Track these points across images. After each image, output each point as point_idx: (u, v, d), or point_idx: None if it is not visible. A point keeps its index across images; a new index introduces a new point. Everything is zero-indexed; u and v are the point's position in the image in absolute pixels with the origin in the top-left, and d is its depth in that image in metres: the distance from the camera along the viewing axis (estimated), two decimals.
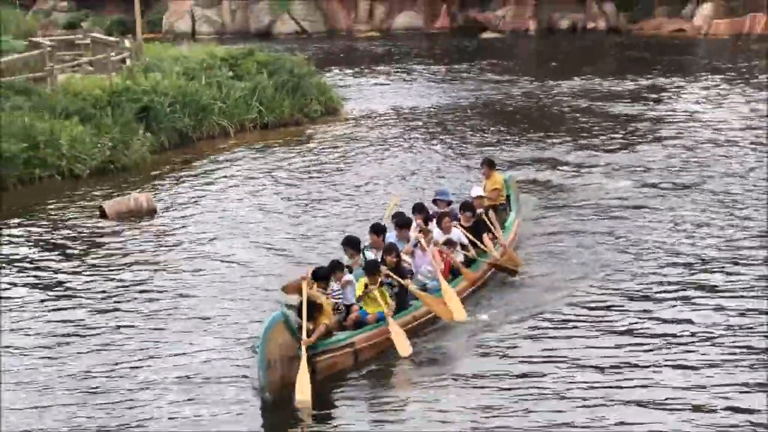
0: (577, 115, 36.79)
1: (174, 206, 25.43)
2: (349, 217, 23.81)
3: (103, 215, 24.23)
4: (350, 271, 16.81)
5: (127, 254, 21.49)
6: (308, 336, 14.47)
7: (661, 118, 35.76)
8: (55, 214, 24.79)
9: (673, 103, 38.96)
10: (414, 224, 18.37)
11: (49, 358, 15.96)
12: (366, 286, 16.02)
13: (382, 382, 15.05)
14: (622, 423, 13.23)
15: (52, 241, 22.73)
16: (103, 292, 19.06)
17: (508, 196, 21.56)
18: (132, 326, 17.21)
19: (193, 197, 26.26)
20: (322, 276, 16.02)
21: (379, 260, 16.62)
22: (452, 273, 17.83)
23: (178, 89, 33.44)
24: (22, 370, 15.49)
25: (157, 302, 18.40)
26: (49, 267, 20.76)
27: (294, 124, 35.84)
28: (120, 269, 20.42)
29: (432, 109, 38.44)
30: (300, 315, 14.83)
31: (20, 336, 16.91)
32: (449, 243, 17.91)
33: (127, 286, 19.33)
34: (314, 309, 14.83)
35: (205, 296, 18.58)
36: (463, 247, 18.27)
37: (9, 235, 22.89)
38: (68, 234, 23.24)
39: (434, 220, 18.53)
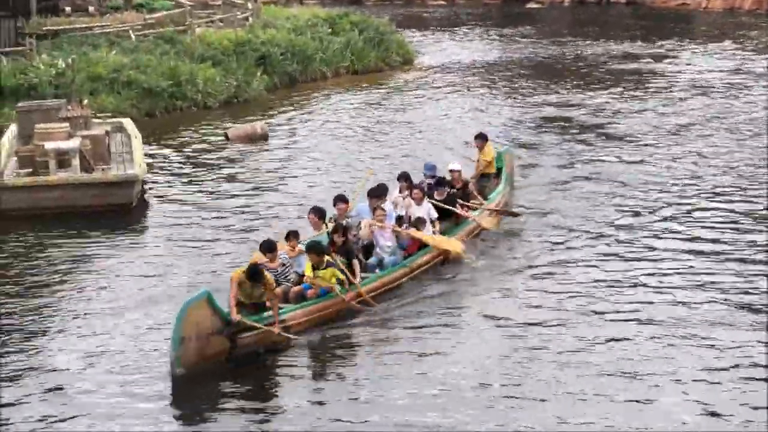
0: (602, 69, 35.74)
1: (282, 133, 25.21)
2: (419, 145, 23.29)
3: (227, 138, 24.12)
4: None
5: (245, 167, 21.46)
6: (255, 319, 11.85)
7: (672, 71, 34.58)
8: (191, 136, 24.79)
9: (679, 59, 37.68)
10: (396, 192, 15.59)
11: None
12: (314, 268, 12.68)
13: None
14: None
15: (188, 156, 22.77)
16: (223, 190, 19.08)
17: (500, 168, 18.18)
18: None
19: (297, 126, 26.04)
20: (268, 247, 12.92)
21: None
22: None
23: (289, 42, 33.08)
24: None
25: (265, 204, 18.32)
26: (187, 174, 20.93)
27: (378, 71, 35.30)
28: (240, 178, 20.38)
29: (486, 63, 37.60)
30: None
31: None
32: (419, 221, 14.66)
33: (239, 193, 19.28)
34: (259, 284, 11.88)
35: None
36: (433, 222, 15.03)
37: (157, 152, 22.89)
38: (200, 151, 23.25)
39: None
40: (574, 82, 32.35)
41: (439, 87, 31.84)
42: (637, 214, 17.31)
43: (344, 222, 14.05)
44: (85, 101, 22.84)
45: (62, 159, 18.25)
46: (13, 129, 21.21)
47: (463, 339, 12.20)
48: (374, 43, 36.20)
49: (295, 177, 20.51)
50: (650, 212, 17.39)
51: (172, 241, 16.35)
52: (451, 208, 15.61)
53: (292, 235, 13.58)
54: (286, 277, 12.99)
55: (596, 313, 12.88)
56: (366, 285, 13.33)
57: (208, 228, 16.98)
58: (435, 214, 15.13)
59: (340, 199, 14.64)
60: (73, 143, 18.42)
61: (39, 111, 20.47)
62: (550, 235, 16.14)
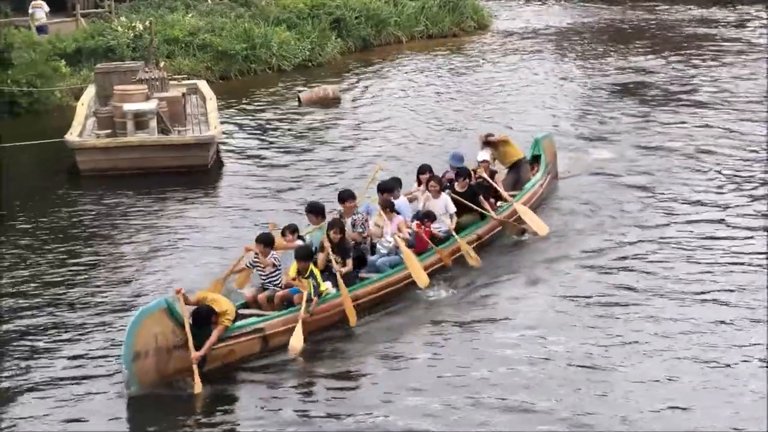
0: (680, 34, 35.13)
1: (354, 96, 25.42)
2: (490, 112, 23.22)
3: (300, 101, 24.38)
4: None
5: (316, 130, 21.71)
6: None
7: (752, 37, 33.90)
8: (264, 99, 25.12)
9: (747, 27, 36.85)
10: (414, 185, 14.59)
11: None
12: (298, 272, 11.61)
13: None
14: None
15: (261, 118, 23.10)
16: (294, 153, 19.31)
17: (538, 156, 16.67)
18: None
19: (370, 90, 26.19)
20: (265, 241, 11.95)
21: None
22: (435, 242, 13.31)
23: (363, 5, 33.13)
24: None
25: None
26: (260, 136, 21.31)
27: (452, 36, 35.20)
28: (311, 142, 20.66)
29: (562, 28, 37.23)
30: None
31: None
32: (428, 216, 13.33)
33: (310, 157, 19.58)
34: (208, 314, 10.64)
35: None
36: (452, 216, 13.74)
37: (231, 115, 23.25)
38: (273, 113, 23.56)
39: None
40: (651, 48, 31.87)
41: (514, 52, 31.67)
42: (718, 190, 16.84)
43: (352, 218, 12.97)
44: (162, 63, 23.26)
45: (140, 120, 18.68)
46: (91, 90, 21.74)
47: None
48: (449, 8, 36.02)
49: (366, 141, 20.72)
50: (734, 188, 16.87)
51: (244, 201, 16.73)
52: (468, 203, 13.96)
53: (288, 230, 12.59)
54: (274, 281, 11.86)
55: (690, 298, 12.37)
56: (357, 289, 11.96)
57: (280, 190, 17.30)
58: (453, 209, 13.73)
59: (348, 196, 13.26)
60: (151, 105, 18.84)
61: (117, 73, 20.91)
62: (618, 212, 15.72)
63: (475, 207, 13.98)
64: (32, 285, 13.15)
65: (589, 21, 38.70)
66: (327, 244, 12.07)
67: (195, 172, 18.34)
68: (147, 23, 26.28)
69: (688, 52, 31.03)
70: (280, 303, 11.56)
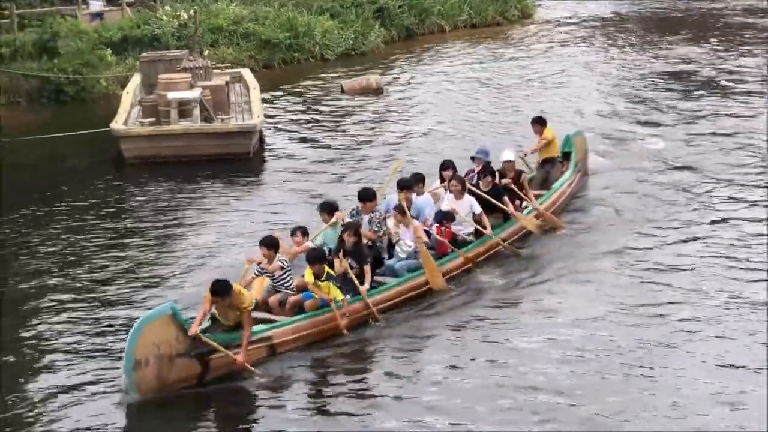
0: (728, 24, 34.71)
1: (397, 86, 25.42)
2: (532, 103, 23.09)
3: (342, 90, 24.48)
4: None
5: (358, 120, 21.74)
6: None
7: None
8: (307, 88, 25.24)
9: None
10: (436, 182, 13.95)
11: None
12: (315, 276, 11.11)
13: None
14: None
15: (304, 107, 23.26)
16: (336, 142, 19.47)
17: (568, 153, 16.13)
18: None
19: (412, 80, 26.18)
20: (268, 244, 11.41)
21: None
22: (456, 244, 12.90)
23: None
24: None
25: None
26: (302, 125, 21.41)
27: (495, 25, 35.04)
28: (353, 131, 20.77)
29: (605, 17, 36.93)
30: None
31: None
32: (447, 217, 12.80)
33: (351, 146, 19.67)
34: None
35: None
36: (477, 216, 13.17)
37: (274, 103, 23.38)
38: (316, 102, 23.67)
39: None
40: (698, 36, 31.50)
41: (557, 41, 31.50)
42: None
43: (370, 215, 12.45)
44: (206, 52, 23.46)
45: (184, 109, 18.87)
46: (136, 79, 21.99)
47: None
48: None
49: (408, 132, 20.70)
50: None
51: (286, 189, 16.87)
52: (496, 202, 13.46)
53: (299, 231, 12.08)
54: (285, 284, 11.39)
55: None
56: (373, 296, 11.56)
57: (321, 178, 17.41)
58: (478, 209, 13.14)
59: (369, 196, 12.61)
60: (194, 93, 19.02)
61: (162, 61, 21.15)
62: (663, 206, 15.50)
63: (499, 205, 13.45)
64: (78, 269, 13.40)
65: (634, 9, 38.35)
66: (344, 265, 11.36)
67: (237, 160, 18.50)
68: (192, 12, 26.50)
69: (736, 40, 30.66)
70: (293, 309, 11.17)
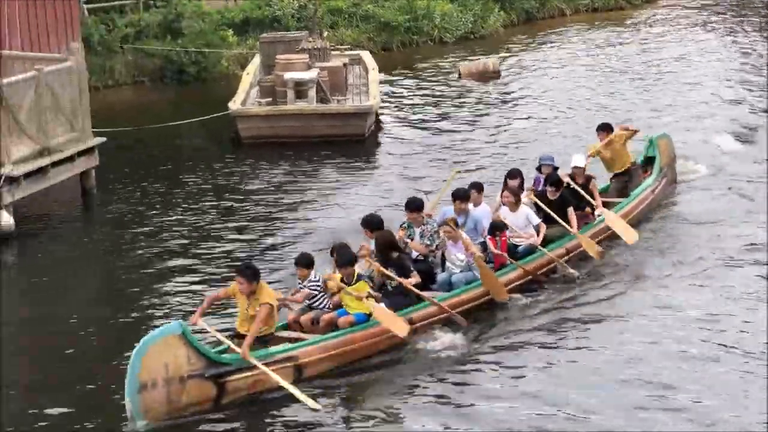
0: None
1: (515, 71, 25.21)
2: (652, 92, 22.56)
3: (459, 74, 24.40)
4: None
5: (474, 104, 21.58)
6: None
7: None
8: (424, 71, 25.27)
9: None
10: (499, 196, 12.49)
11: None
12: (342, 281, 10.17)
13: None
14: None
15: (420, 90, 23.32)
16: (451, 127, 19.39)
17: (652, 158, 14.76)
18: None
19: (530, 64, 25.93)
20: (304, 262, 10.48)
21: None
22: (515, 256, 11.80)
23: None
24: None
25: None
26: (418, 108, 21.56)
27: (618, 9, 34.49)
28: (468, 116, 20.67)
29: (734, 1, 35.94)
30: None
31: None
32: (497, 227, 11.61)
33: (466, 131, 19.57)
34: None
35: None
36: (537, 229, 12.10)
37: (391, 85, 23.46)
38: (432, 86, 23.74)
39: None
40: None
41: (681, 26, 30.82)
42: None
43: (421, 228, 11.42)
44: (326, 34, 23.69)
45: (300, 89, 19.09)
46: (256, 60, 22.34)
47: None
48: None
49: (524, 118, 20.49)
50: None
51: (397, 173, 16.88)
52: (557, 218, 12.30)
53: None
54: (320, 305, 10.43)
55: None
56: (420, 309, 10.47)
57: (435, 162, 17.38)
58: (536, 220, 12.11)
59: (416, 205, 11.51)
60: (311, 74, 19.22)
61: (282, 42, 21.43)
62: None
63: (559, 220, 12.28)
64: (197, 242, 13.66)
65: None
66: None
67: (352, 141, 18.64)
68: None
69: None
70: (326, 327, 10.09)
